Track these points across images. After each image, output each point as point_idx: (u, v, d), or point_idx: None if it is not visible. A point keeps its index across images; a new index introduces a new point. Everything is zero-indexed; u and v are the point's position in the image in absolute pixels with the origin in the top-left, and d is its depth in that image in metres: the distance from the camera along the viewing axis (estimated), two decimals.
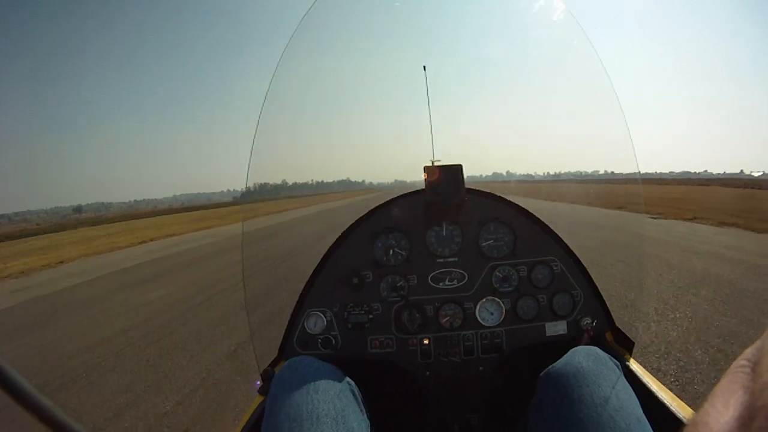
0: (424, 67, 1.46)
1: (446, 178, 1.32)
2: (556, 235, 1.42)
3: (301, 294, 1.40)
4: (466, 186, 1.35)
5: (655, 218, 12.64)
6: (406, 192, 1.45)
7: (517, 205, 1.45)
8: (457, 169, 1.33)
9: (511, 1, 1.76)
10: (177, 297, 6.84)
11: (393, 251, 1.41)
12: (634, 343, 1.26)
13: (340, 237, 1.43)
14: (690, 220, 11.88)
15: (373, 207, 1.45)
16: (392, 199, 1.46)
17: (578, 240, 8.35)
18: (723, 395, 0.30)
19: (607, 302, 1.38)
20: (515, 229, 1.41)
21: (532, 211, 1.44)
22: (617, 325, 1.34)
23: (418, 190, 1.42)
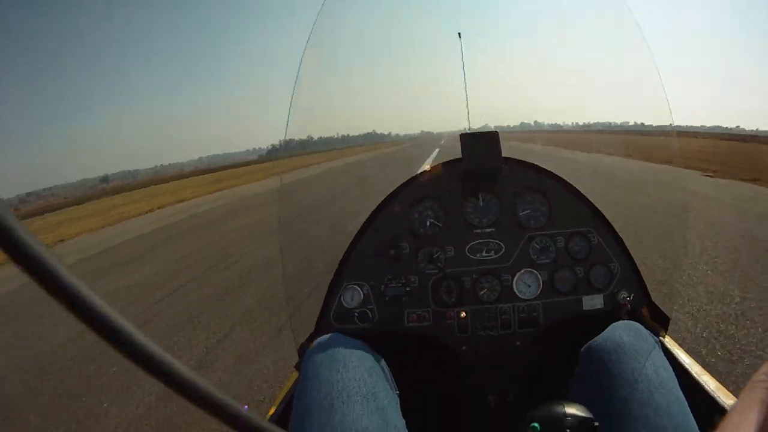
0: (459, 34, 1.43)
1: (483, 146, 1.30)
2: (594, 205, 1.38)
3: (338, 267, 1.39)
4: (503, 155, 1.32)
5: (710, 176, 11.17)
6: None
7: (555, 174, 1.41)
8: (493, 137, 1.30)
9: None
10: (153, 283, 6.12)
11: (430, 222, 1.38)
12: (669, 319, 1.25)
13: (376, 208, 1.41)
14: (751, 181, 10.22)
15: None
16: (427, 169, 1.44)
17: (641, 199, 7.65)
18: (743, 411, 0.31)
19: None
20: (552, 199, 1.38)
21: (568, 180, 1.41)
22: (653, 301, 1.32)
23: (454, 159, 1.39)
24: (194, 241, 8.86)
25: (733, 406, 0.32)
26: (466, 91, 1.43)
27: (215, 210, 13.89)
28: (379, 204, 1.42)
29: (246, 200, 15.05)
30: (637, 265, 1.36)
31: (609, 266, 1.33)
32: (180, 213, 14.89)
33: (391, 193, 1.43)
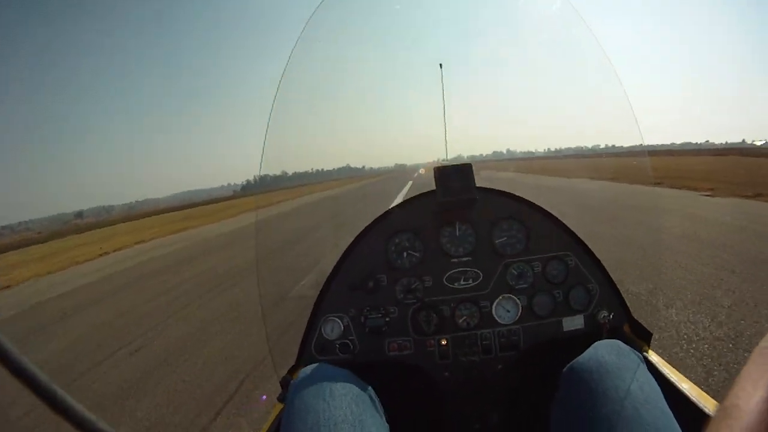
0: (441, 65, 1.47)
1: (456, 178, 1.33)
2: (569, 229, 1.41)
3: (316, 300, 1.39)
4: (477, 185, 1.36)
5: (708, 196, 10.40)
6: (412, 193, 1.45)
7: (529, 201, 1.44)
8: (467, 168, 1.34)
9: None
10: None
11: (407, 253, 1.40)
12: (651, 334, 1.26)
13: (353, 242, 1.43)
14: (754, 197, 9.37)
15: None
16: (404, 201, 1.47)
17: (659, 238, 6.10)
18: (751, 377, 0.30)
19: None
20: (528, 225, 1.41)
21: (547, 208, 1.44)
22: (634, 317, 1.34)
23: (429, 191, 1.42)
24: (117, 305, 7.51)
25: (741, 373, 0.32)
26: (444, 122, 1.46)
27: (167, 256, 12.90)
28: (356, 237, 1.43)
29: (205, 243, 14.31)
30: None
31: (587, 287, 1.35)
32: (132, 258, 14.09)
33: (367, 226, 1.44)
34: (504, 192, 1.46)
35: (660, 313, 3.69)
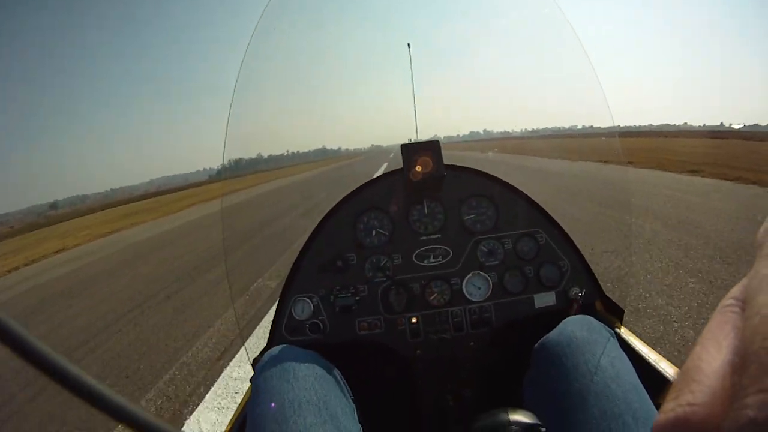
0: (408, 44, 1.45)
1: (424, 155, 1.32)
2: (540, 206, 1.42)
3: (286, 280, 1.39)
4: (446, 162, 1.35)
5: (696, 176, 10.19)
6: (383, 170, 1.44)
7: (498, 178, 1.44)
8: (435, 145, 1.33)
9: None
10: None
11: (376, 231, 1.40)
12: (623, 311, 1.28)
13: (321, 221, 1.42)
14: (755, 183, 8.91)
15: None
16: (372, 179, 1.46)
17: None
18: (714, 337, 0.28)
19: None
20: (497, 203, 1.41)
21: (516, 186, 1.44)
22: (606, 294, 1.36)
23: (397, 170, 1.41)
24: None
25: (702, 333, 0.29)
26: (414, 102, 1.44)
27: (70, 276, 9.35)
28: (324, 217, 1.42)
29: (133, 248, 11.83)
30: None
31: (558, 264, 1.37)
32: (27, 280, 10.25)
33: (335, 206, 1.43)
34: (473, 169, 1.45)
35: None
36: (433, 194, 1.41)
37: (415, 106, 1.43)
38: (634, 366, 0.96)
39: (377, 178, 1.46)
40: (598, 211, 6.91)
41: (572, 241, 1.39)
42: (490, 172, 1.46)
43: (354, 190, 1.45)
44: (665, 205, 7.16)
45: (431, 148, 1.33)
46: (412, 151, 1.32)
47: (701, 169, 11.34)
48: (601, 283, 1.38)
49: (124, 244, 12.99)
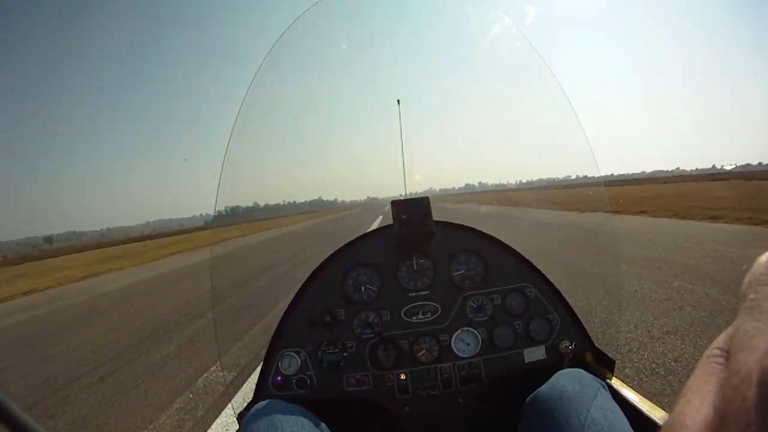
0: (398, 100, 1.49)
1: (413, 212, 1.34)
2: (528, 261, 1.42)
3: (273, 335, 1.38)
4: (435, 219, 1.36)
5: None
6: (376, 225, 1.45)
7: (487, 234, 1.46)
8: (424, 202, 1.35)
9: (469, 31, 1.80)
10: None
11: (364, 287, 1.40)
12: (614, 362, 1.27)
13: (310, 275, 1.42)
14: None
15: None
16: (361, 235, 1.47)
17: None
18: (699, 390, 0.29)
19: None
20: (486, 258, 1.42)
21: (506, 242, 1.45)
22: (596, 345, 1.35)
23: (386, 226, 1.43)
24: None
25: (688, 384, 0.30)
26: (403, 157, 1.48)
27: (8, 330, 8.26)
28: (313, 271, 1.42)
29: (92, 302, 10.69)
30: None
31: (548, 318, 1.37)
32: None
33: (324, 260, 1.43)
34: (461, 225, 1.47)
35: None
36: (422, 250, 1.42)
37: (404, 162, 1.47)
38: (627, 416, 0.94)
39: (366, 234, 1.48)
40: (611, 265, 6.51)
41: (561, 294, 1.40)
42: (482, 226, 1.47)
43: (343, 246, 1.45)
44: (712, 262, 6.13)
45: (421, 204, 1.34)
46: (401, 207, 1.34)
47: (721, 215, 11.02)
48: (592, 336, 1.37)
49: (90, 294, 12.22)
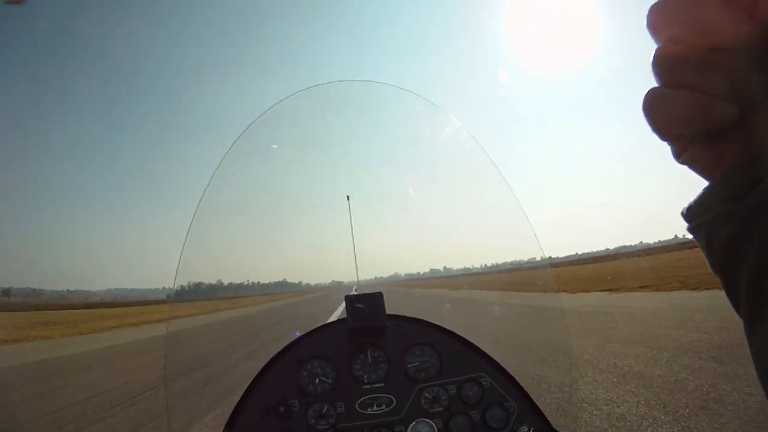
0: (348, 197, 1.59)
1: (367, 307, 1.38)
2: (482, 351, 1.45)
3: (227, 423, 1.34)
4: (388, 312, 1.41)
5: None
6: (328, 320, 1.48)
7: (440, 326, 1.49)
8: (377, 297, 1.39)
9: (419, 130, 1.96)
10: None
11: (319, 379, 1.40)
12: None
13: (264, 366, 1.42)
14: None
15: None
16: (316, 328, 1.50)
17: None
18: None
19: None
20: (440, 350, 1.44)
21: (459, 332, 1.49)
22: (555, 428, 1.36)
23: (340, 320, 1.45)
24: None
25: None
26: (354, 248, 1.55)
27: None
28: (267, 362, 1.42)
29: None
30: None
31: (504, 405, 1.37)
32: None
33: (279, 352, 1.44)
34: (415, 318, 1.51)
35: None
36: (376, 344, 1.44)
37: (355, 253, 1.55)
38: None
39: (321, 326, 1.51)
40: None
41: (516, 381, 1.41)
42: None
43: (298, 338, 1.47)
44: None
45: (374, 299, 1.39)
46: (354, 302, 1.39)
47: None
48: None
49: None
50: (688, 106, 0.36)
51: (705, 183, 0.39)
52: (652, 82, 0.39)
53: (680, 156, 0.41)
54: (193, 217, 1.34)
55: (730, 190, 0.37)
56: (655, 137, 0.40)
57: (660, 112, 0.38)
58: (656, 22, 0.38)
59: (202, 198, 1.36)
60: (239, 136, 1.43)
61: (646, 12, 0.38)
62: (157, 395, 6.92)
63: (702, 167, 0.40)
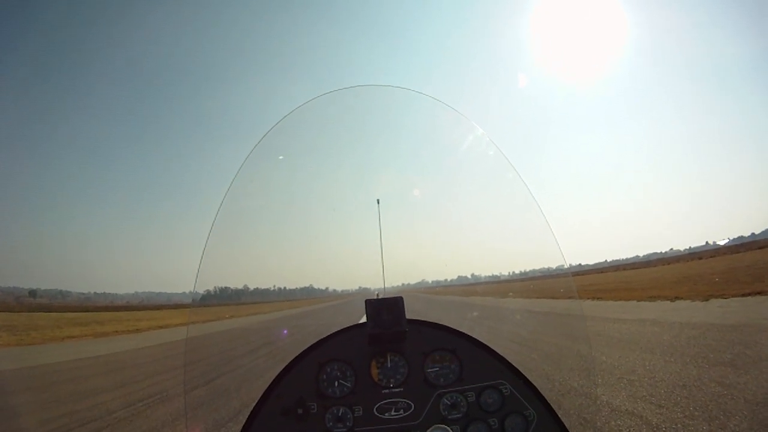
0: (378, 200, 1.59)
1: (387, 311, 1.37)
2: (503, 358, 1.43)
3: (244, 425, 1.35)
4: (409, 317, 1.39)
5: None
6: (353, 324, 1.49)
7: (461, 332, 1.48)
8: (397, 302, 1.38)
9: (449, 139, 1.95)
10: None
11: (338, 382, 1.40)
12: None
13: (285, 368, 1.42)
14: None
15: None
16: (336, 331, 1.49)
17: None
18: None
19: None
20: (460, 356, 1.43)
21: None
22: None
23: (361, 323, 1.45)
24: None
25: None
26: (382, 253, 1.55)
27: None
28: (288, 364, 1.42)
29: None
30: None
31: (524, 414, 1.34)
32: None
33: (299, 354, 1.44)
34: (435, 324, 1.49)
35: None
36: (396, 348, 1.43)
37: (383, 258, 1.54)
38: None
39: (342, 330, 1.49)
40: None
41: (537, 390, 1.39)
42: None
43: (319, 340, 1.47)
44: None
45: (394, 304, 1.38)
46: (375, 306, 1.38)
47: None
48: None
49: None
50: None
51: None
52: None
53: None
54: (214, 222, 1.35)
55: None
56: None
57: None
58: None
59: (222, 202, 1.37)
60: (261, 139, 1.44)
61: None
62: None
63: None
